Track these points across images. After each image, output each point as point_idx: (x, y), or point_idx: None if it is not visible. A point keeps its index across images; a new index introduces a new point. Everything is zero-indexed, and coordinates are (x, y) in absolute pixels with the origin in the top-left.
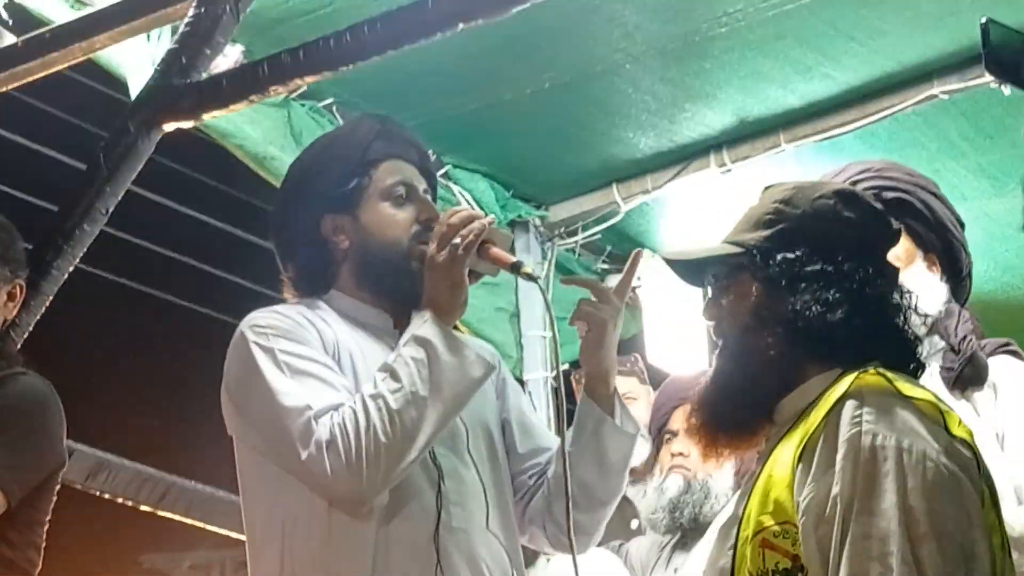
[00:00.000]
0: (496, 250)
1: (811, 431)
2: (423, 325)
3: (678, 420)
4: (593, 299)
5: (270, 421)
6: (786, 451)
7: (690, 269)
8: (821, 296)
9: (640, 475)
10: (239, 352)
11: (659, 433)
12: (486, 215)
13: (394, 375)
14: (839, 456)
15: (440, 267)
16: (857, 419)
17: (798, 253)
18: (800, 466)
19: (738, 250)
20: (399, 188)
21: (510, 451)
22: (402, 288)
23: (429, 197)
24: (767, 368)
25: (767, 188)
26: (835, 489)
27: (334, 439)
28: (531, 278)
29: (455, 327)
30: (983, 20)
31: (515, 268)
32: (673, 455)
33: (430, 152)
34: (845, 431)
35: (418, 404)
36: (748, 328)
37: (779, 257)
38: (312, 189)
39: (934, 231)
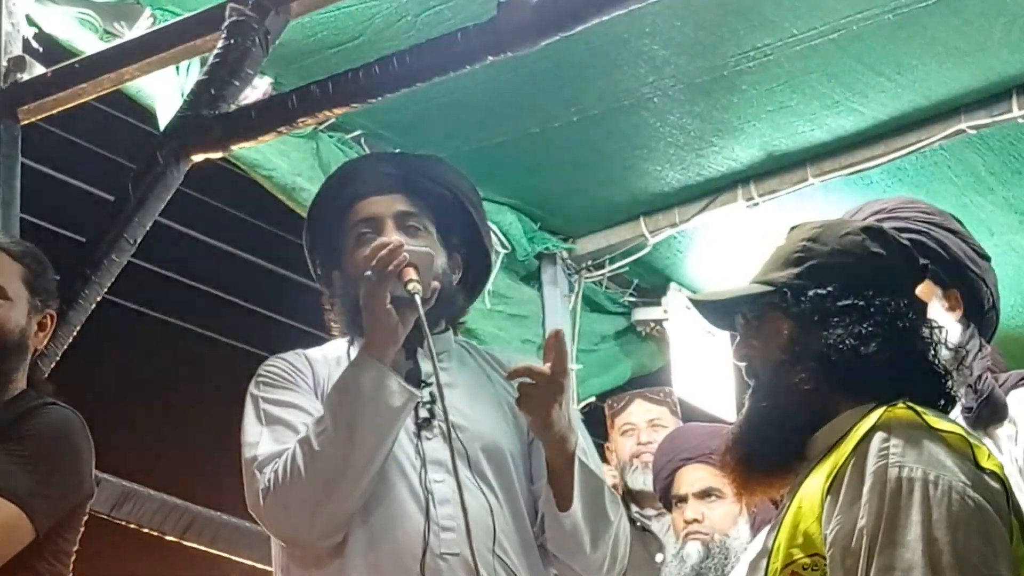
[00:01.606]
0: (406, 269)
1: (840, 463)
2: (351, 363)
3: (683, 483)
4: (531, 382)
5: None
6: (815, 483)
7: (718, 311)
8: (854, 330)
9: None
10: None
11: (665, 496)
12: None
13: (319, 418)
14: (866, 488)
15: (363, 300)
16: (884, 451)
17: (829, 289)
18: (828, 498)
19: (768, 289)
20: (362, 227)
21: (535, 475)
22: None
23: (413, 218)
24: (801, 404)
25: (793, 228)
26: (861, 521)
27: (268, 487)
28: (410, 294)
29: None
30: None
31: (404, 286)
32: (687, 522)
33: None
34: (872, 463)
35: (340, 442)
36: (781, 365)
37: (810, 293)
38: (314, 254)
39: (949, 268)
